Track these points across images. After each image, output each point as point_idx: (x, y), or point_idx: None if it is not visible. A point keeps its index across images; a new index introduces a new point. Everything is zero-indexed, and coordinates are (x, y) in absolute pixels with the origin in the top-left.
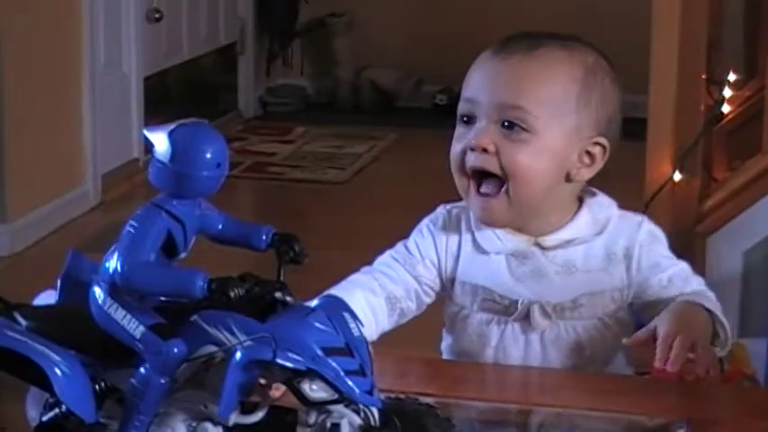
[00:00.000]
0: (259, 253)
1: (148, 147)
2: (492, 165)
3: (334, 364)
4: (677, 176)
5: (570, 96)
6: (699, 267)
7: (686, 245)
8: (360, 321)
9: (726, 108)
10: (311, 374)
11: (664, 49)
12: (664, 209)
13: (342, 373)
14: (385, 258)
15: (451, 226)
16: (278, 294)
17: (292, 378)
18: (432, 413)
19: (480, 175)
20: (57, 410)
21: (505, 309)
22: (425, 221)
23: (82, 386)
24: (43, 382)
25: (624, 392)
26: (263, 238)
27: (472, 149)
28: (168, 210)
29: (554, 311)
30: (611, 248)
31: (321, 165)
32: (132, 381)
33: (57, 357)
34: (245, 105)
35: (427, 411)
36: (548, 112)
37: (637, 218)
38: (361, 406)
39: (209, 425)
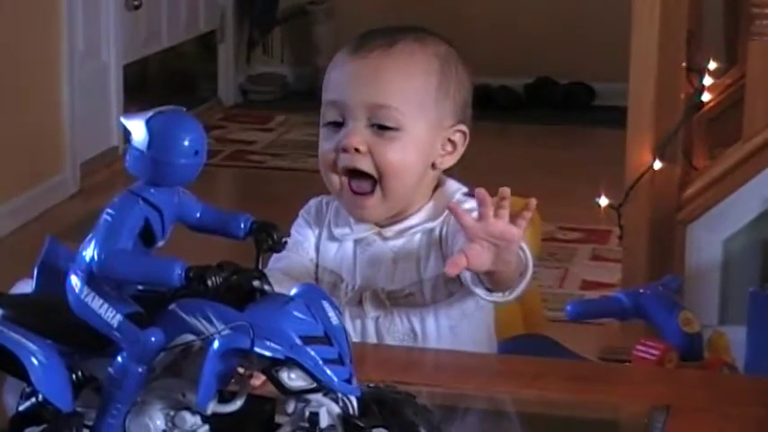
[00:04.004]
0: (238, 241)
1: (127, 135)
2: (365, 164)
3: (312, 352)
4: (657, 165)
5: (430, 88)
6: (679, 255)
7: (666, 233)
8: (340, 310)
9: (706, 96)
10: (289, 363)
11: (644, 37)
12: (644, 197)
13: (320, 362)
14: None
15: (320, 215)
16: (256, 283)
17: (270, 367)
18: (411, 401)
19: (352, 174)
20: (33, 400)
21: (345, 294)
22: (301, 212)
23: (59, 375)
24: (20, 371)
25: (604, 380)
26: (242, 226)
27: (345, 150)
28: (145, 198)
29: (388, 299)
30: (438, 234)
31: (301, 153)
32: (110, 370)
33: (33, 347)
34: (225, 93)
35: (406, 400)
36: (412, 106)
37: (459, 198)
38: (340, 395)
39: (187, 414)
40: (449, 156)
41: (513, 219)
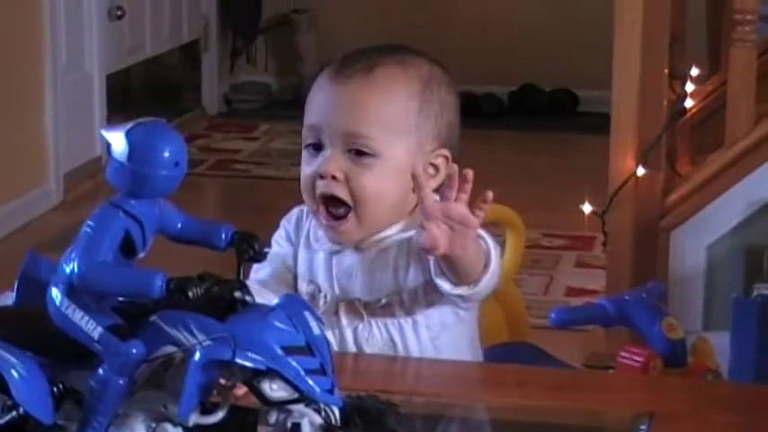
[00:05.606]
0: (219, 252)
1: (109, 146)
2: (341, 191)
3: (294, 363)
4: (641, 171)
5: (410, 114)
6: (663, 261)
7: (650, 239)
8: (322, 321)
9: (689, 103)
10: (271, 374)
11: (627, 44)
12: (627, 203)
13: (302, 373)
14: (256, 265)
15: (300, 224)
16: (237, 294)
17: (252, 378)
18: (393, 411)
19: (329, 200)
20: (14, 413)
21: (325, 303)
22: (282, 221)
23: (39, 388)
24: (0, 384)
25: (588, 387)
26: (223, 236)
27: (321, 177)
28: (126, 209)
29: (365, 309)
30: (416, 241)
31: (285, 162)
32: (91, 382)
33: (13, 359)
34: (208, 103)
35: (388, 409)
36: (390, 133)
37: None
38: (322, 405)
39: (169, 426)
40: (432, 179)
41: (471, 208)
